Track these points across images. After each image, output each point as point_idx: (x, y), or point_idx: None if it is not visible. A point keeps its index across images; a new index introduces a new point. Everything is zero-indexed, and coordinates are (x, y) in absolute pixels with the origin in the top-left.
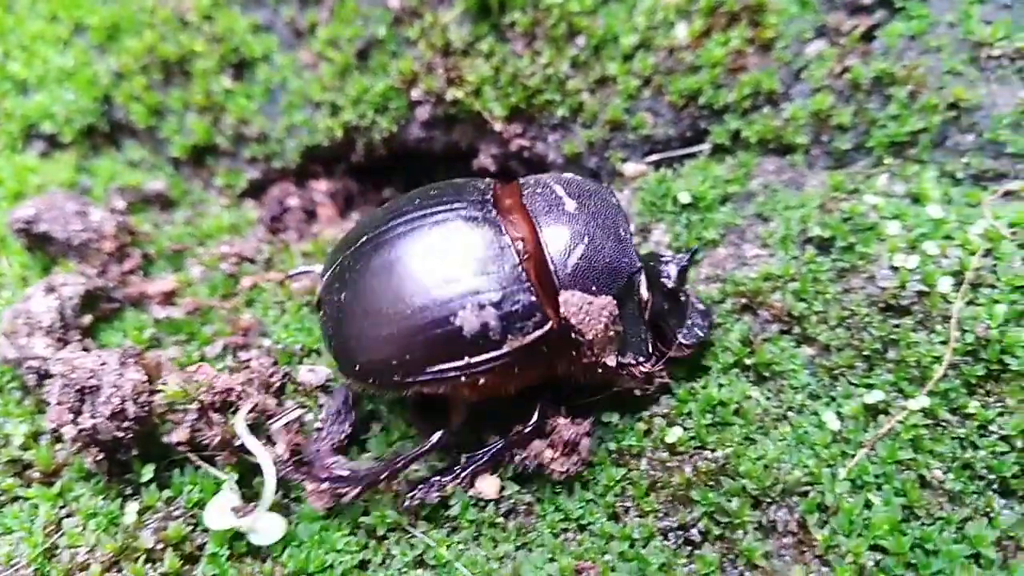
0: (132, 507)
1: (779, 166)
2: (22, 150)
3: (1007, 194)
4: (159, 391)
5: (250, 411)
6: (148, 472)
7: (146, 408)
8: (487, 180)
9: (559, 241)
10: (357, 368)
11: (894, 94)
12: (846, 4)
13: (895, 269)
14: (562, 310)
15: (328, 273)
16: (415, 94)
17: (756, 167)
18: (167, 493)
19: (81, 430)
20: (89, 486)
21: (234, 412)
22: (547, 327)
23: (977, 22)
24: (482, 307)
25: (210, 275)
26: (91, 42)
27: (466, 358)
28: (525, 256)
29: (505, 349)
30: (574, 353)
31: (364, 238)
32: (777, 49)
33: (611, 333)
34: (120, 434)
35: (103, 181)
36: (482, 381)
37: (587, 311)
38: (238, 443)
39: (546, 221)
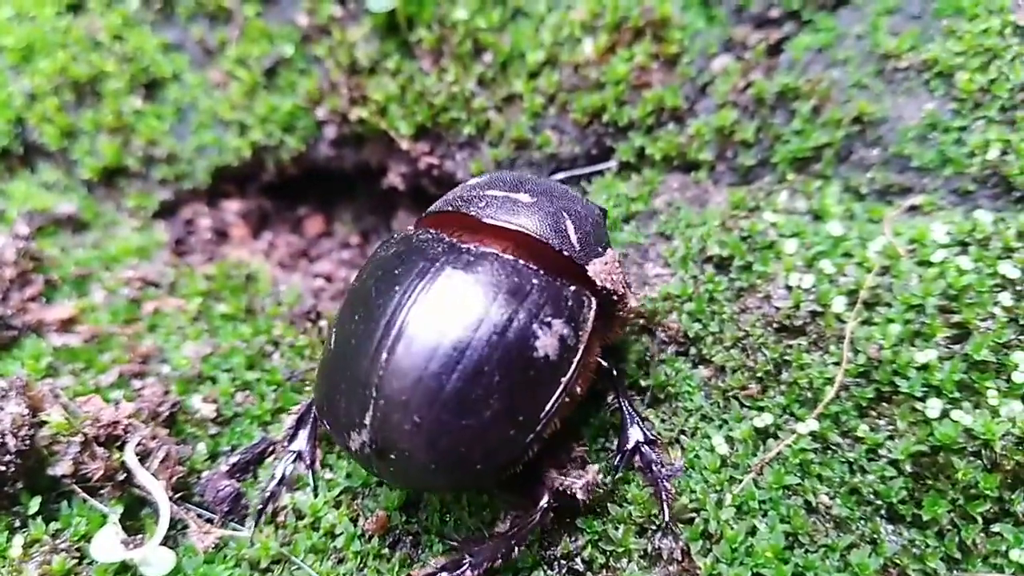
0: (18, 540)
1: (683, 183)
2: None
3: (911, 209)
4: (43, 423)
5: (138, 444)
6: (35, 505)
7: (27, 441)
8: (428, 231)
9: (553, 230)
10: (480, 468)
11: (798, 109)
12: (753, 17)
13: (790, 288)
14: (598, 283)
15: (373, 419)
16: (320, 113)
17: (660, 184)
18: (55, 525)
19: None
20: None
21: (120, 445)
22: (595, 304)
23: (885, 34)
24: (549, 324)
25: (113, 300)
26: (7, 63)
27: (562, 378)
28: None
29: (582, 347)
30: (616, 314)
31: (384, 353)
32: (682, 64)
33: (625, 278)
34: (2, 468)
35: (16, 204)
36: (578, 389)
37: (609, 270)
38: (122, 476)
39: (528, 223)
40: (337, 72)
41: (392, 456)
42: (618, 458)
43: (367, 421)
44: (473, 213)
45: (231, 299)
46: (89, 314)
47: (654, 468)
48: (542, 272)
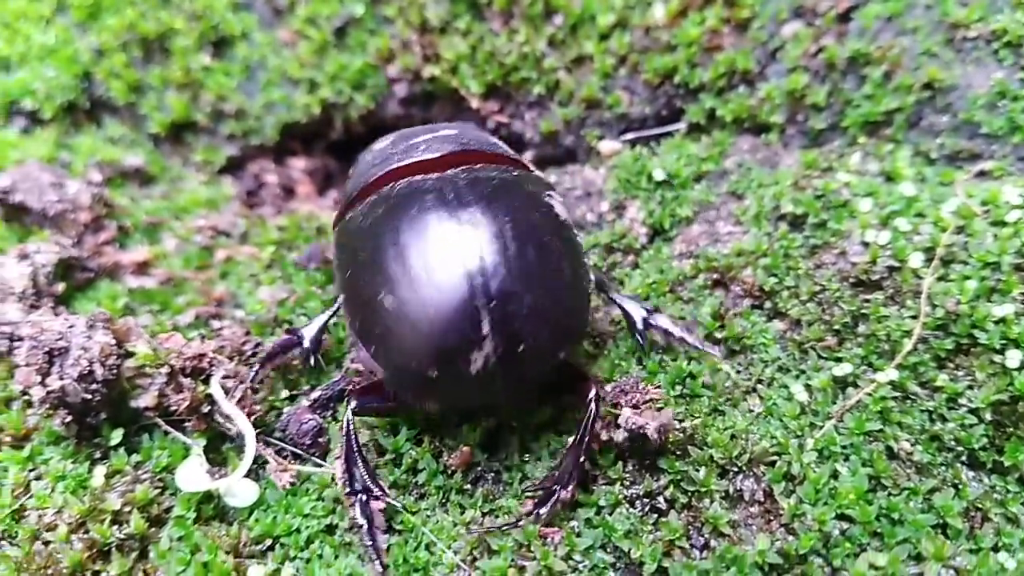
0: (100, 470)
1: (754, 145)
2: (3, 126)
3: (981, 174)
4: (129, 355)
5: (223, 377)
6: (117, 436)
7: (114, 371)
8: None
9: (488, 144)
10: (582, 316)
11: (869, 74)
12: None
13: (866, 245)
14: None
15: (493, 323)
16: (392, 71)
17: (731, 146)
18: (136, 457)
19: (49, 392)
20: (59, 449)
21: (204, 379)
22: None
23: (954, 4)
24: (549, 195)
25: (185, 247)
26: (73, 20)
27: (578, 235)
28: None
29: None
30: None
31: (476, 263)
32: (753, 29)
33: None
34: (88, 396)
35: (83, 157)
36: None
37: (533, 163)
38: (206, 409)
39: (474, 143)
40: (407, 32)
41: (522, 346)
42: (638, 338)
43: (485, 330)
44: (420, 158)
45: (304, 248)
46: (162, 260)
47: (672, 331)
48: (505, 164)
